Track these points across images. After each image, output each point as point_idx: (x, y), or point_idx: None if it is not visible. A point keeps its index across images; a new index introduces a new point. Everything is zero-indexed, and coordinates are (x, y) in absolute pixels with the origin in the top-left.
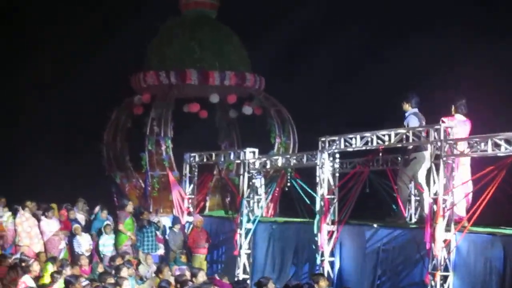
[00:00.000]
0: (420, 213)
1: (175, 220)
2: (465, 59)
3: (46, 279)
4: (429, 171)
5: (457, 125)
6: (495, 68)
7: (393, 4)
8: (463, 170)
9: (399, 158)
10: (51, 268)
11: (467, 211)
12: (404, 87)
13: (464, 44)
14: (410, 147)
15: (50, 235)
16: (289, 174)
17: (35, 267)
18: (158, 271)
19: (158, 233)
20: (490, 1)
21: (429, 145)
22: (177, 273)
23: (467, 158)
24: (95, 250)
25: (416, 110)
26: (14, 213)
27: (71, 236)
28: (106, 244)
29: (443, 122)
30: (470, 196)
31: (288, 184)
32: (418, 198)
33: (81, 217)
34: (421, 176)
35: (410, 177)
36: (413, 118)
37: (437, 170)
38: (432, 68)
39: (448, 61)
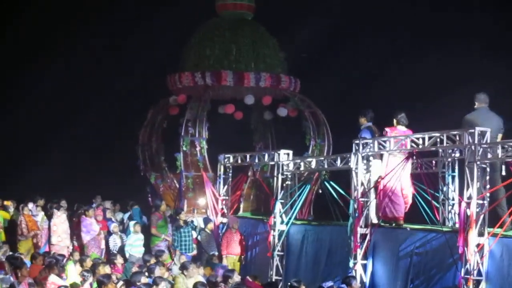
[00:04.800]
0: None
1: (207, 221)
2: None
3: (71, 279)
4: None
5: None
6: None
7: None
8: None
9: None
10: (72, 267)
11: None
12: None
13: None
14: None
15: (95, 234)
16: (323, 176)
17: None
18: (183, 268)
19: (194, 233)
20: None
21: None
22: (220, 271)
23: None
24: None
25: (370, 123)
26: (47, 213)
27: (108, 235)
28: (134, 244)
29: (386, 133)
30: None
31: (322, 186)
32: (453, 202)
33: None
34: None
35: None
36: (365, 132)
37: (471, 174)
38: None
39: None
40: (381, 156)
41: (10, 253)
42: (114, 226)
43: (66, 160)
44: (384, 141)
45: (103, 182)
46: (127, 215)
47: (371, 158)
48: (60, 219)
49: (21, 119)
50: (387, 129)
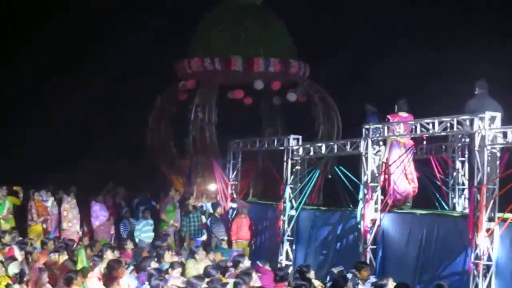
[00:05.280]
0: None
1: (216, 206)
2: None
3: (82, 264)
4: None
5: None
6: None
7: None
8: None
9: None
10: (83, 253)
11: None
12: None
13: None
14: None
15: (104, 219)
16: (332, 161)
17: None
18: (192, 254)
19: (203, 217)
20: None
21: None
22: (234, 254)
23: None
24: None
25: (375, 109)
26: (57, 199)
27: (118, 220)
28: (144, 229)
29: (388, 120)
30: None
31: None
32: (463, 187)
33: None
34: None
35: None
36: (372, 116)
37: (481, 159)
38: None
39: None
40: (384, 142)
41: (20, 238)
42: (125, 212)
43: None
44: (394, 126)
45: (113, 167)
46: (136, 200)
47: (380, 143)
48: (70, 204)
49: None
50: (389, 116)
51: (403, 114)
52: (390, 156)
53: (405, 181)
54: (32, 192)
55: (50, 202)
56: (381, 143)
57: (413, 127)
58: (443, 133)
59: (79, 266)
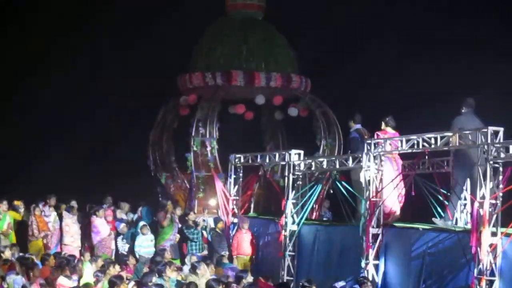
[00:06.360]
0: None
1: (217, 221)
2: None
3: (86, 279)
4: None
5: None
6: None
7: None
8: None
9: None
10: (89, 267)
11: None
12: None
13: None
14: None
15: (106, 235)
16: (334, 176)
17: (81, 267)
18: (193, 269)
19: (204, 233)
20: None
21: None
22: (229, 273)
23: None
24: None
25: (359, 126)
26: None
27: (116, 236)
28: (143, 245)
29: (377, 136)
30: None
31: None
32: (465, 202)
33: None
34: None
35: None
36: (354, 134)
37: (484, 173)
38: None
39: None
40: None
41: (21, 254)
42: (123, 227)
43: (74, 160)
44: (396, 141)
45: (114, 182)
46: (136, 215)
47: (382, 158)
48: (72, 219)
49: (30, 118)
50: (378, 132)
51: (391, 131)
52: (384, 171)
53: (394, 198)
54: (33, 207)
55: (53, 217)
56: (383, 158)
57: (415, 141)
58: (445, 148)
59: (83, 280)
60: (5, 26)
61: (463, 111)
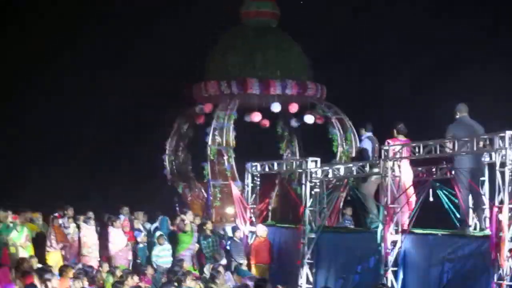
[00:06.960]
0: None
1: (235, 229)
2: None
3: None
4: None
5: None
6: None
7: None
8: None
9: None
10: (111, 280)
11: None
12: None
13: None
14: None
15: (122, 246)
16: (351, 183)
17: (100, 277)
18: (212, 278)
19: (223, 241)
20: None
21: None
22: (249, 282)
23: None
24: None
25: (370, 133)
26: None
27: (135, 245)
28: (161, 255)
29: (388, 143)
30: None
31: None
32: (484, 207)
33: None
34: None
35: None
36: (366, 141)
37: (502, 178)
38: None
39: None
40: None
41: (39, 265)
42: (143, 236)
43: (74, 160)
44: (414, 147)
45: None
46: (154, 225)
47: (399, 163)
48: (90, 230)
49: (30, 118)
50: (389, 140)
51: (402, 138)
52: (402, 176)
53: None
54: (51, 218)
55: (72, 228)
56: (399, 163)
57: (433, 147)
58: (463, 153)
59: None
60: (5, 26)
61: (456, 117)
